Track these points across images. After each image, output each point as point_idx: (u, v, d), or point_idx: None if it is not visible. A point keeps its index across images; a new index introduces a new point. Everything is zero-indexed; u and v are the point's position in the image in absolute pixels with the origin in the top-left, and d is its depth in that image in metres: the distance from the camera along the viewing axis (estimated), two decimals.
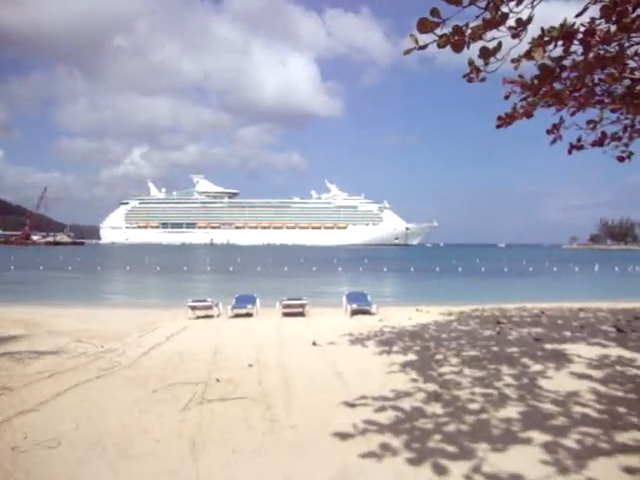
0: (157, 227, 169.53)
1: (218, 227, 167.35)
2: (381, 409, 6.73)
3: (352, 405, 6.96)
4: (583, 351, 10.11)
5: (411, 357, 9.92)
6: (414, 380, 8.18)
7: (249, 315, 16.46)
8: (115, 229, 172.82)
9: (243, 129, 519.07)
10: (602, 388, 7.54)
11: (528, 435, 5.75)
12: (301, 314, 16.48)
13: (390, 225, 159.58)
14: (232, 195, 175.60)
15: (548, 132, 9.15)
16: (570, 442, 5.52)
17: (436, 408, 6.75)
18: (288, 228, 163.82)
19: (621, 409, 6.58)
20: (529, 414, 6.44)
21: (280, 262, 59.23)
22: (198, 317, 16.19)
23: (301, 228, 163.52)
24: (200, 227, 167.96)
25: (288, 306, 16.75)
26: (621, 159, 10.06)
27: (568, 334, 12.07)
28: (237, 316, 16.40)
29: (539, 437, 5.67)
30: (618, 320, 14.21)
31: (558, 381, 7.95)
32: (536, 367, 8.87)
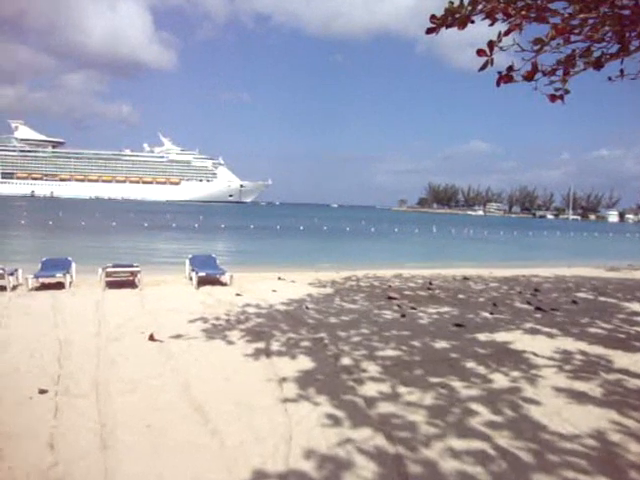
0: None
1: (40, 178, 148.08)
2: None
3: None
4: (529, 343, 7.52)
5: (305, 363, 6.50)
6: (333, 420, 4.75)
7: (60, 286, 11.86)
8: None
9: (68, 75, 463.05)
10: (627, 421, 4.78)
11: None
12: (131, 284, 12.28)
13: (224, 182, 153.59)
14: (57, 144, 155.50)
15: (479, 53, 6.13)
16: None
17: None
18: (118, 182, 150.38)
19: None
20: None
21: (108, 217, 51.79)
22: None
23: (132, 182, 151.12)
24: (19, 177, 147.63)
25: (114, 274, 12.44)
26: (553, 98, 7.36)
27: (488, 316, 9.55)
28: (43, 287, 11.76)
29: None
30: (520, 293, 12.19)
31: (554, 409, 5.06)
32: (498, 378, 5.95)
